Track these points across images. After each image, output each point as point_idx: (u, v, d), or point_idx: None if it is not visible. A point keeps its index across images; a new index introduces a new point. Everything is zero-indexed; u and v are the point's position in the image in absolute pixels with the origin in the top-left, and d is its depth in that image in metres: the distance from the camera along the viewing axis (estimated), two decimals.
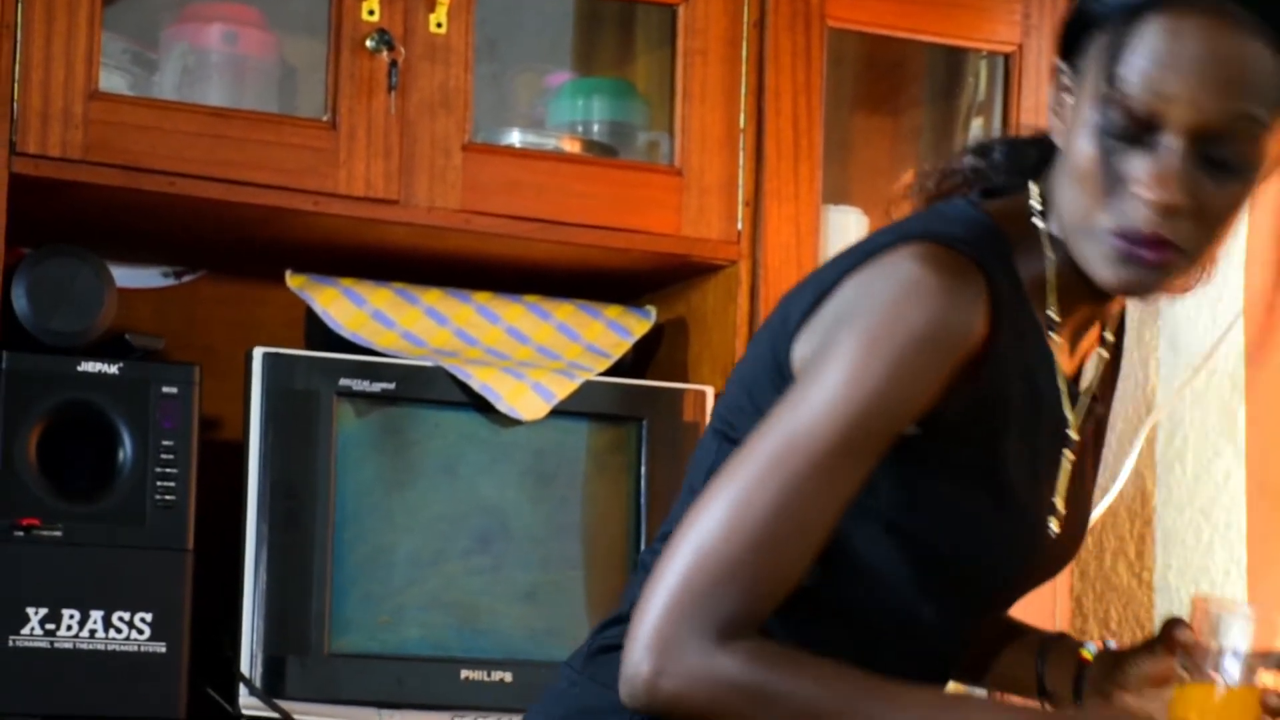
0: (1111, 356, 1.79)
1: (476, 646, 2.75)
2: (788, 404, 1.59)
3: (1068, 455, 1.73)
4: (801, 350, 1.63)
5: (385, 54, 2.71)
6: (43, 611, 2.54)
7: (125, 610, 2.57)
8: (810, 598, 1.64)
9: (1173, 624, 1.74)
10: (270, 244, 2.83)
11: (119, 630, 2.57)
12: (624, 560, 2.80)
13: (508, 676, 2.73)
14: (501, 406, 2.76)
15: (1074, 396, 1.73)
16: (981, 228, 1.66)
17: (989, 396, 1.63)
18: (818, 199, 2.91)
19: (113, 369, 2.60)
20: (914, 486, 1.65)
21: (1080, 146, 1.62)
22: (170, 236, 2.85)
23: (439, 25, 2.75)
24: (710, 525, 1.59)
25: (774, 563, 1.58)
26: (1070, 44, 1.67)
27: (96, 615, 2.56)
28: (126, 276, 2.85)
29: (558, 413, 2.78)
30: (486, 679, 2.73)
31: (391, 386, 2.74)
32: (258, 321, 2.92)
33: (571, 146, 2.90)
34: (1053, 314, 1.69)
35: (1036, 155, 1.72)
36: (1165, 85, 1.58)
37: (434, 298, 2.87)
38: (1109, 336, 1.78)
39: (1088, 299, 1.70)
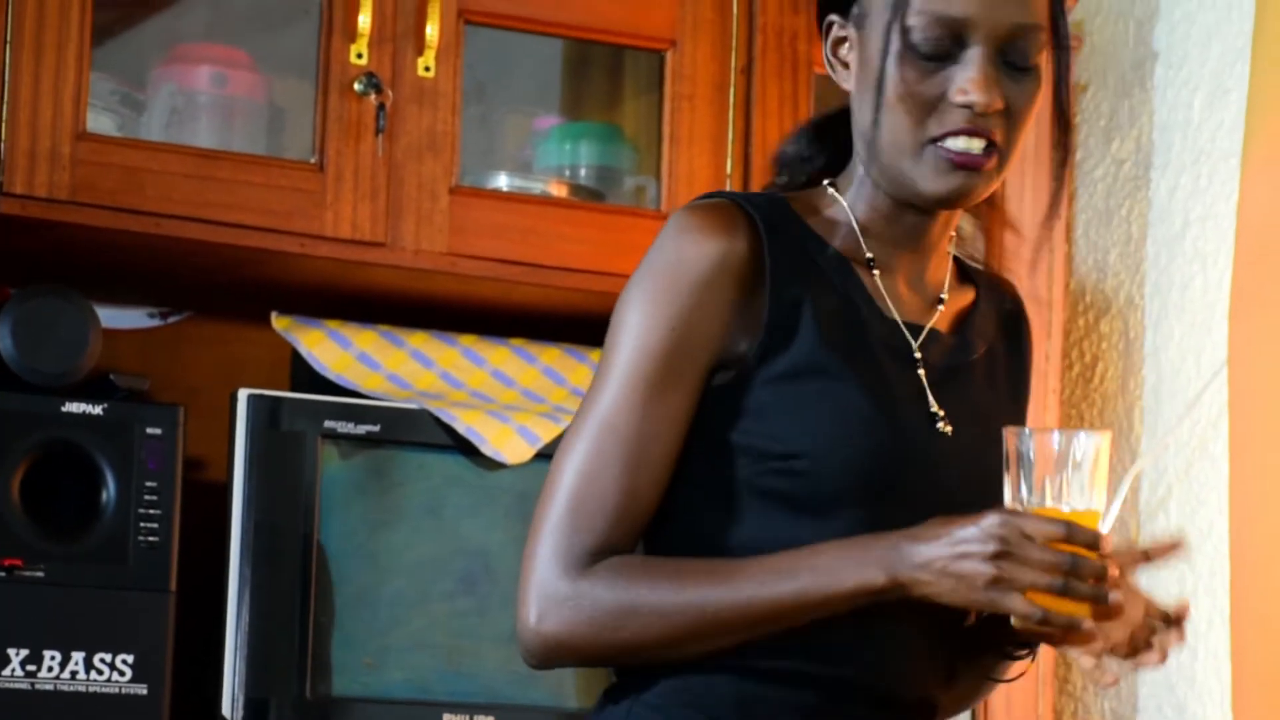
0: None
1: (460, 689, 2.75)
2: (602, 360, 1.75)
3: (920, 373, 1.78)
4: None
5: (373, 97, 2.72)
6: (24, 652, 2.54)
7: (107, 651, 2.57)
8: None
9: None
10: (256, 285, 2.84)
11: (100, 672, 2.56)
12: None
13: None
14: (486, 450, 2.76)
15: (917, 333, 1.81)
16: (763, 194, 1.81)
17: (782, 315, 1.73)
18: None
19: (97, 409, 2.60)
20: (778, 411, 1.72)
21: (888, 76, 1.74)
22: (156, 277, 2.85)
23: (427, 69, 2.76)
24: (553, 479, 1.73)
25: (614, 490, 1.70)
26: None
27: (78, 656, 2.56)
28: (112, 317, 2.85)
29: (542, 456, 2.78)
30: None
31: (376, 429, 2.74)
32: (243, 363, 2.92)
33: (559, 190, 2.91)
34: (870, 255, 1.80)
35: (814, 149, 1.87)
36: (953, 3, 1.72)
37: (420, 340, 2.87)
38: (943, 299, 1.85)
39: (900, 248, 1.81)
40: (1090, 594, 1.64)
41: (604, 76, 3.09)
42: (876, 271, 1.80)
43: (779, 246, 1.74)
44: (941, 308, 1.84)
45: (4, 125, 2.55)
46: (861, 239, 1.80)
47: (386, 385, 2.80)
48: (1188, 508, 3.06)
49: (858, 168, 1.81)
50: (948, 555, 1.65)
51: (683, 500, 1.74)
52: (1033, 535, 1.64)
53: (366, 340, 2.83)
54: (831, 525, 1.71)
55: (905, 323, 1.80)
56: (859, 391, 1.73)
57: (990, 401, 1.84)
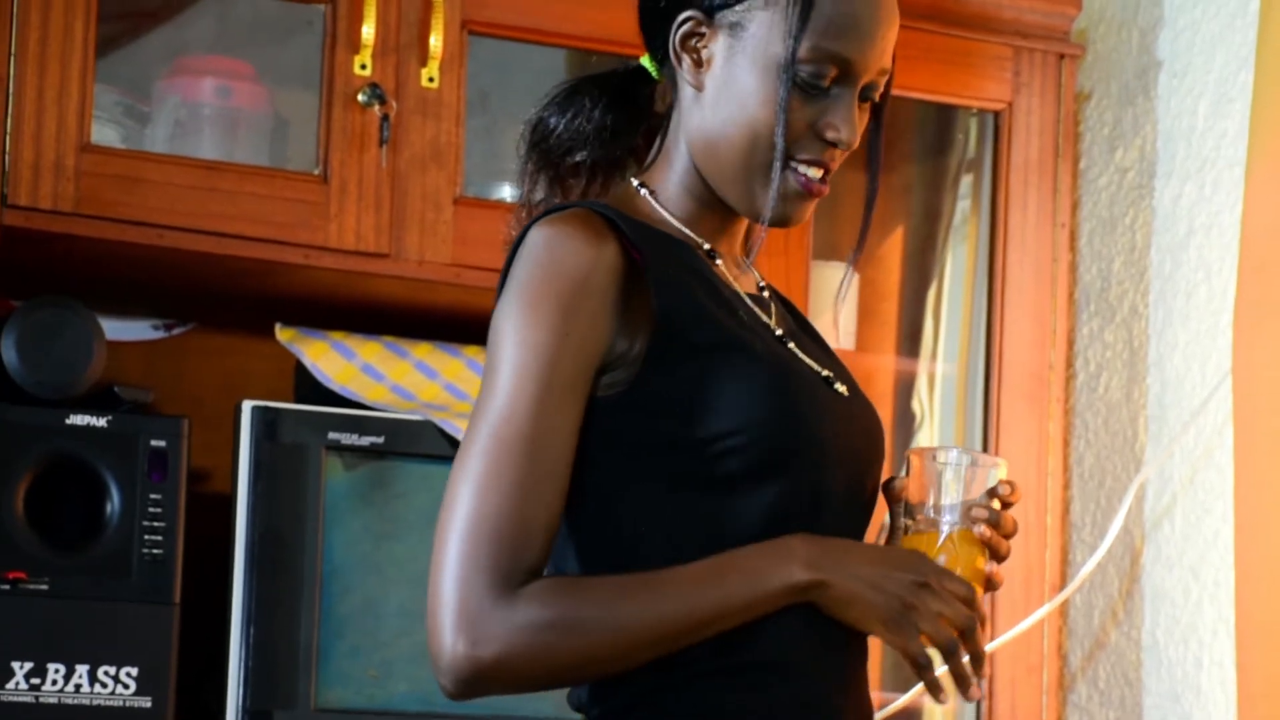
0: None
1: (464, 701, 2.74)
2: (485, 379, 1.72)
3: (792, 346, 1.82)
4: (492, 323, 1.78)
5: (377, 108, 2.72)
6: (28, 665, 2.54)
7: (111, 664, 2.57)
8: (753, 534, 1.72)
9: (887, 482, 1.83)
10: (260, 297, 2.84)
11: (105, 684, 2.57)
12: None
13: None
14: None
15: (763, 306, 1.85)
16: (589, 202, 1.80)
17: (673, 304, 1.73)
18: (807, 255, 2.93)
19: (101, 421, 2.60)
20: (699, 393, 1.72)
21: (758, 97, 1.76)
22: (160, 289, 2.86)
23: (431, 79, 2.76)
24: (461, 500, 1.68)
25: (527, 508, 1.67)
26: None
27: (82, 669, 2.56)
28: (116, 329, 2.86)
29: None
30: None
31: (380, 440, 2.74)
32: (247, 374, 2.92)
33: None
34: (707, 245, 1.82)
35: (607, 118, 1.86)
36: (850, 45, 1.76)
37: (424, 351, 2.87)
38: (761, 283, 1.90)
39: (719, 232, 1.84)
40: (963, 671, 1.73)
41: None
42: (717, 258, 1.82)
43: (642, 242, 1.74)
44: (761, 280, 1.89)
45: (8, 137, 2.56)
46: (690, 231, 1.82)
47: (390, 397, 2.80)
48: (1193, 517, 3.05)
49: (674, 158, 1.83)
50: (878, 571, 1.70)
51: (600, 508, 1.72)
52: (950, 588, 1.71)
53: (370, 351, 2.83)
54: (756, 500, 1.72)
55: (747, 295, 1.83)
56: (765, 366, 1.75)
57: (825, 353, 1.89)
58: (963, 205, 3.19)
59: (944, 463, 1.76)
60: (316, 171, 2.72)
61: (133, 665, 2.57)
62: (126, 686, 2.57)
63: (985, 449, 3.09)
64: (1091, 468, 3.18)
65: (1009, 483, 1.77)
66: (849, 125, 1.78)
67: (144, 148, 2.72)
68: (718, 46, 1.78)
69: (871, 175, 1.87)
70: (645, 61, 1.86)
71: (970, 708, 3.06)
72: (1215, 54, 3.10)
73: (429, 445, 2.75)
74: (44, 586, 2.54)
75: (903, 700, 2.95)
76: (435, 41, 2.74)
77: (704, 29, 1.79)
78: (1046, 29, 3.14)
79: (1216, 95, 3.09)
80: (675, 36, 1.80)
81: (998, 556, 1.77)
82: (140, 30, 2.82)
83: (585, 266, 1.71)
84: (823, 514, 1.75)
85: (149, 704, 2.57)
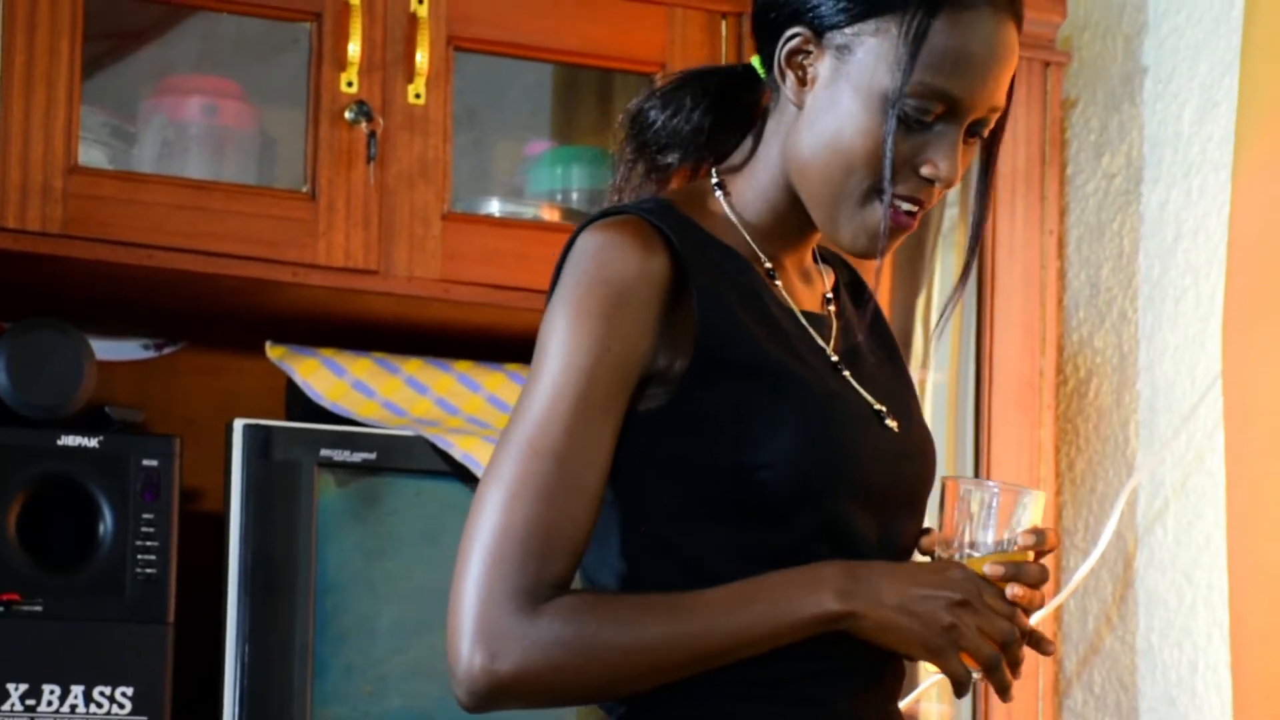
0: (853, 301, 1.88)
1: (459, 716, 2.73)
2: (526, 387, 1.70)
3: (846, 374, 1.79)
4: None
5: (364, 125, 2.73)
6: (23, 687, 2.54)
7: (106, 684, 2.57)
8: (777, 563, 1.69)
9: (922, 533, 1.80)
10: (250, 315, 2.84)
11: (100, 705, 2.56)
12: None
13: None
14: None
15: (821, 325, 1.81)
16: (653, 202, 1.77)
17: (717, 324, 1.70)
18: None
19: (93, 442, 2.60)
20: (736, 419, 1.70)
21: (858, 126, 1.72)
22: (150, 309, 2.86)
23: (417, 96, 2.76)
24: (489, 509, 1.66)
25: (556, 522, 1.65)
26: (811, 10, 1.74)
27: (77, 690, 2.56)
28: (106, 349, 2.85)
29: None
30: None
31: (372, 456, 2.74)
32: (238, 393, 2.92)
33: (551, 215, 2.91)
34: (767, 259, 1.79)
35: (706, 121, 1.83)
36: (959, 84, 1.71)
37: (414, 367, 2.87)
38: (828, 294, 1.86)
39: (789, 246, 1.81)
40: (1005, 681, 1.70)
41: (594, 100, 3.10)
42: (775, 275, 1.79)
43: (692, 258, 1.71)
44: (830, 296, 1.85)
45: None
46: (752, 240, 1.78)
47: (382, 413, 2.80)
48: (1185, 521, 3.05)
49: (760, 167, 1.79)
50: (912, 595, 1.67)
51: (635, 521, 1.71)
52: (990, 603, 1.69)
53: (361, 368, 2.83)
54: (786, 532, 1.70)
55: (804, 313, 1.80)
56: (811, 393, 1.72)
57: (887, 376, 1.85)
58: (951, 213, 3.19)
59: (972, 497, 1.73)
60: (304, 189, 2.72)
61: (128, 685, 2.57)
62: (122, 707, 2.57)
63: (977, 456, 3.09)
64: (1083, 473, 3.18)
65: (1038, 530, 1.73)
66: (950, 163, 1.72)
67: (131, 168, 2.72)
68: (823, 66, 1.74)
69: (978, 211, 1.82)
70: (755, 62, 1.82)
71: (967, 707, 3.05)
72: (1200, 59, 3.10)
73: (421, 461, 2.75)
74: (38, 608, 2.54)
75: (909, 699, 2.95)
76: (421, 58, 2.74)
77: (811, 47, 1.74)
78: (1032, 37, 3.13)
79: (1202, 100, 3.10)
80: (782, 51, 1.75)
81: (1027, 608, 1.72)
82: (125, 50, 2.82)
83: (631, 277, 1.68)
84: (849, 550, 1.71)
85: None
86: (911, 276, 3.20)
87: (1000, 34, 1.72)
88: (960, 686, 1.70)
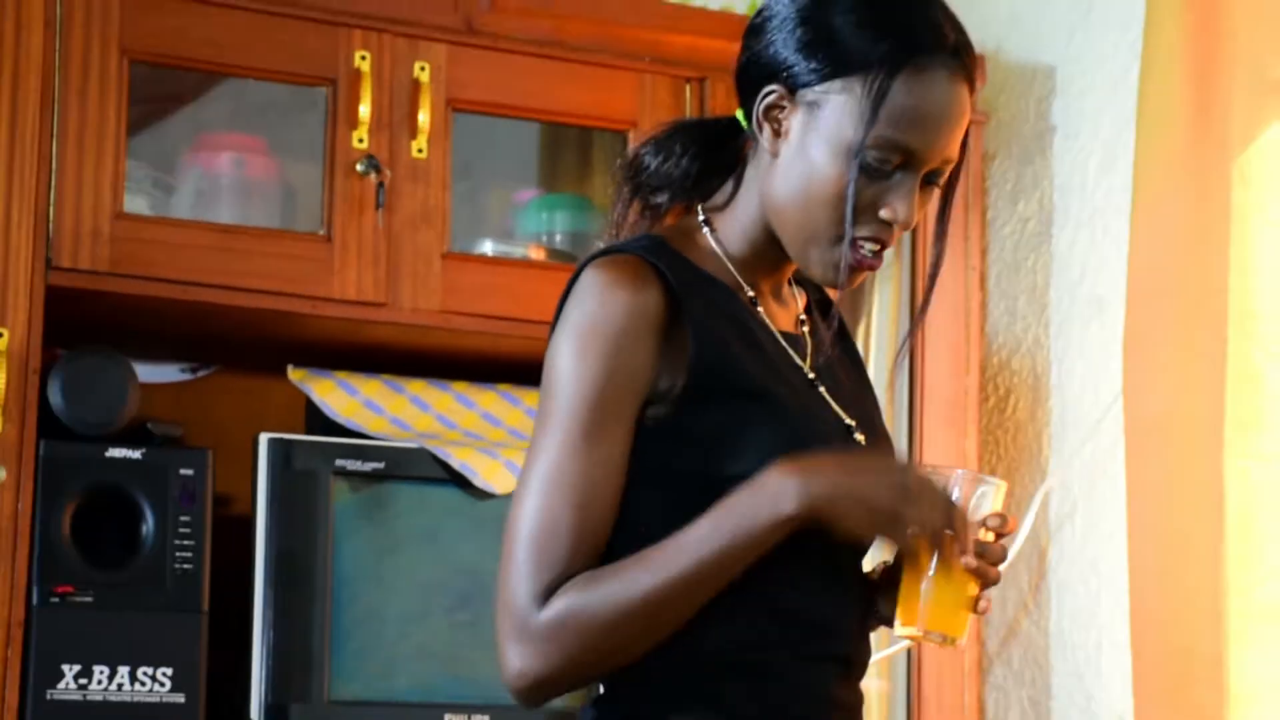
0: (823, 318, 1.86)
1: (459, 693, 2.74)
2: (541, 414, 1.68)
3: (821, 390, 1.78)
4: (547, 356, 1.72)
5: (374, 176, 2.72)
6: (76, 668, 2.53)
7: (149, 665, 2.56)
8: (766, 559, 1.66)
9: None
10: (274, 342, 2.83)
11: (143, 683, 2.56)
12: None
13: (487, 719, 2.73)
14: (478, 482, 2.75)
15: (798, 345, 1.80)
16: (648, 239, 1.75)
17: (709, 350, 1.69)
18: None
19: (136, 454, 2.59)
20: (725, 435, 1.69)
21: (826, 174, 1.71)
22: (186, 337, 2.85)
23: (420, 150, 2.76)
24: (511, 528, 1.66)
25: (570, 533, 1.64)
26: (786, 70, 1.73)
27: (123, 670, 2.55)
28: (148, 372, 2.84)
29: None
30: None
31: (381, 466, 2.73)
32: (263, 410, 2.90)
33: (537, 254, 2.90)
34: (750, 292, 1.77)
35: (694, 167, 1.81)
36: (916, 137, 1.70)
37: (418, 388, 2.86)
38: (801, 316, 1.84)
39: (767, 275, 1.80)
40: (950, 552, 1.66)
41: (575, 154, 3.09)
42: (758, 302, 1.78)
43: (684, 290, 1.69)
44: (804, 317, 1.83)
45: (52, 207, 2.55)
46: (736, 271, 1.77)
47: (389, 427, 2.80)
48: (1091, 519, 3.05)
49: (740, 208, 1.77)
50: (861, 487, 1.64)
51: (635, 527, 1.68)
52: (928, 492, 1.65)
53: (371, 388, 2.83)
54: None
55: (782, 334, 1.78)
56: (789, 412, 1.70)
57: (854, 388, 1.84)
58: (887, 253, 3.19)
59: (942, 480, 1.70)
60: (321, 232, 2.71)
61: (167, 666, 2.56)
62: (162, 685, 2.56)
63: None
64: (1003, 479, 3.16)
65: (1001, 515, 1.72)
66: (907, 208, 1.71)
67: (170, 214, 2.71)
68: (796, 120, 1.73)
69: (936, 252, 1.81)
70: (739, 115, 1.80)
71: (901, 682, 3.03)
72: (1102, 118, 3.10)
73: (424, 469, 2.74)
74: (89, 599, 2.53)
75: (890, 651, 2.93)
76: (424, 118, 2.74)
77: (785, 103, 1.73)
78: None
79: (1104, 155, 3.10)
80: (759, 106, 1.74)
81: (986, 582, 1.71)
82: (166, 112, 2.81)
83: (628, 313, 1.66)
84: (829, 546, 1.69)
85: (182, 699, 2.56)
86: (853, 307, 3.19)
87: (953, 94, 1.71)
88: (913, 558, 1.67)
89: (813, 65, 1.72)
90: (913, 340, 1.87)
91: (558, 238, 2.94)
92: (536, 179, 3.09)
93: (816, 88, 1.72)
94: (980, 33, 3.25)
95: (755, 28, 1.78)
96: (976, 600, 1.71)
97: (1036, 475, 3.14)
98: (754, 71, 1.76)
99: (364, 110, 2.71)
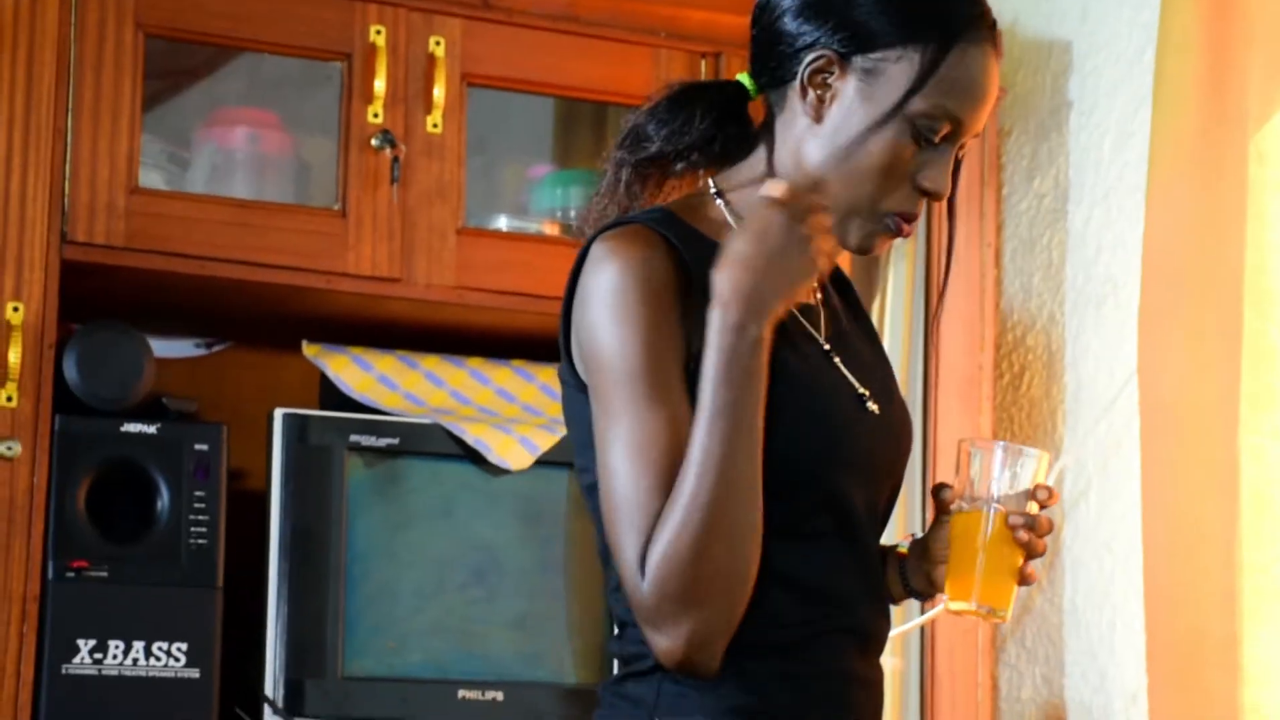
0: (842, 298, 1.86)
1: (472, 669, 2.75)
2: (599, 392, 1.65)
3: (836, 360, 1.77)
4: (577, 332, 1.70)
5: (388, 151, 2.72)
6: (91, 642, 2.54)
7: (164, 640, 2.57)
8: (781, 534, 1.67)
9: (937, 489, 1.79)
10: (288, 317, 2.84)
11: (158, 658, 2.57)
12: (600, 591, 2.81)
13: (500, 695, 2.73)
14: (492, 458, 2.76)
15: (812, 314, 1.78)
16: (656, 211, 1.74)
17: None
18: None
19: (151, 429, 2.60)
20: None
21: (877, 137, 1.71)
22: (201, 312, 2.85)
23: (435, 125, 2.76)
24: (605, 512, 1.64)
25: (648, 500, 1.62)
26: (841, 35, 1.73)
27: (138, 645, 2.56)
28: (163, 347, 2.84)
29: (542, 462, 2.78)
30: (481, 698, 2.72)
31: (395, 441, 2.73)
32: (278, 385, 2.91)
33: (551, 230, 2.90)
34: None
35: (713, 131, 1.79)
36: (964, 108, 1.72)
37: (432, 363, 2.86)
38: (817, 294, 1.82)
39: None
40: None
41: (590, 129, 3.09)
42: None
43: (694, 260, 1.68)
44: (817, 288, 1.81)
45: (67, 182, 2.56)
46: None
47: (404, 403, 2.80)
48: (1105, 498, 3.05)
49: (758, 171, 1.77)
50: (765, 258, 1.63)
51: None
52: (809, 219, 1.64)
53: (386, 364, 2.83)
54: (784, 504, 1.67)
55: (798, 304, 1.77)
56: (800, 379, 1.70)
57: (869, 357, 1.84)
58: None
59: (987, 452, 1.73)
60: (336, 207, 2.72)
61: (182, 641, 2.57)
62: (177, 660, 2.57)
63: (925, 442, 3.07)
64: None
65: (1046, 487, 1.73)
66: (945, 179, 1.73)
67: (185, 189, 2.72)
68: (846, 86, 1.72)
69: (950, 230, 1.83)
70: (744, 79, 1.80)
71: (915, 660, 3.04)
72: (1117, 95, 3.10)
73: (438, 445, 2.75)
74: (104, 574, 2.54)
75: (914, 624, 2.94)
76: (438, 93, 2.75)
77: (834, 68, 1.73)
78: None
79: (1119, 131, 3.09)
80: (806, 69, 1.73)
81: (1033, 554, 1.73)
82: (180, 87, 2.81)
83: (649, 276, 1.65)
84: (845, 520, 1.70)
85: (198, 674, 2.57)
86: (868, 284, 3.19)
87: (992, 69, 1.75)
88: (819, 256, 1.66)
89: (874, 30, 1.72)
90: (937, 322, 1.87)
91: (572, 213, 2.93)
92: (551, 154, 3.09)
93: (873, 54, 1.72)
94: (997, 7, 3.21)
95: None
96: (1022, 571, 1.73)
97: (1051, 453, 3.08)
98: (795, 36, 1.75)
99: (379, 85, 2.71)
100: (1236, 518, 2.71)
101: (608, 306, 1.65)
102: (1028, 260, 3.21)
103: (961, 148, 1.75)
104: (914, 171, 1.73)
